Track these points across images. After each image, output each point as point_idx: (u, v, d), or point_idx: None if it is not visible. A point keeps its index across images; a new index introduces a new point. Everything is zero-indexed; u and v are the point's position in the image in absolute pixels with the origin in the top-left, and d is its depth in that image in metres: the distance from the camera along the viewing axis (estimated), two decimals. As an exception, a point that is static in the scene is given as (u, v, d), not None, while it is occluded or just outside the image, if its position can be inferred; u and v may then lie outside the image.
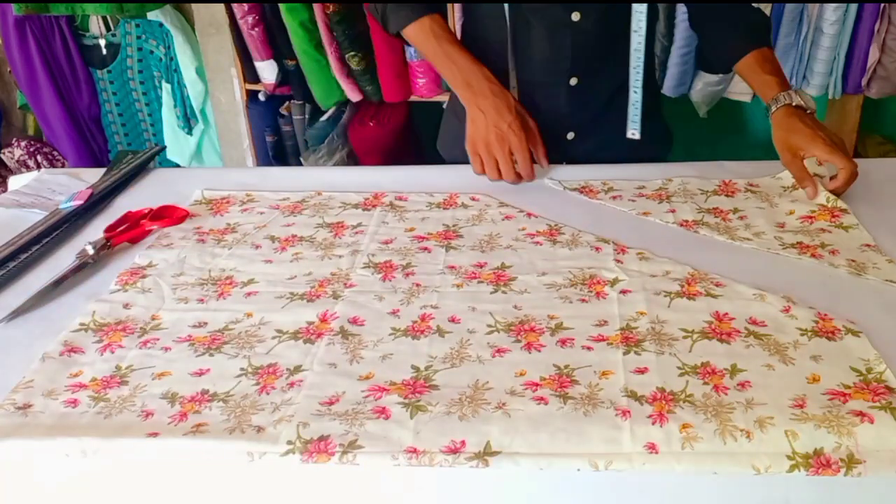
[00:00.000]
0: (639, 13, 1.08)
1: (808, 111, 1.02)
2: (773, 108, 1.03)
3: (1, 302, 0.84)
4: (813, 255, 0.86)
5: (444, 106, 1.31)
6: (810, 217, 0.94)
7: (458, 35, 1.27)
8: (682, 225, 0.94)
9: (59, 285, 0.86)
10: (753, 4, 1.14)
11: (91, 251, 0.91)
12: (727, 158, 1.11)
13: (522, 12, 1.09)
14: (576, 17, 1.08)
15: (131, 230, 0.98)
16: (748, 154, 1.09)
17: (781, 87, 1.04)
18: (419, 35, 1.08)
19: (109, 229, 0.97)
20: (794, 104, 1.02)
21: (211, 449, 0.62)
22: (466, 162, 1.09)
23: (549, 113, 1.13)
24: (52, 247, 0.95)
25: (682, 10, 1.92)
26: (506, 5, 1.08)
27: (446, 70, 1.08)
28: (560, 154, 1.14)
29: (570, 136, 1.16)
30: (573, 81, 1.12)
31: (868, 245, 0.88)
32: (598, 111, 1.14)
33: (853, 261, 0.84)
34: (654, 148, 1.20)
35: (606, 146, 1.14)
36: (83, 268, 0.89)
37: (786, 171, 1.02)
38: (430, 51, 1.08)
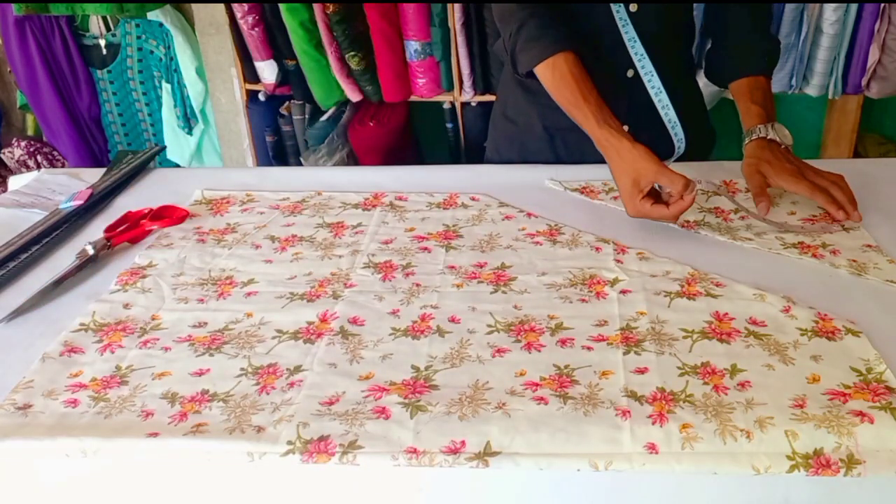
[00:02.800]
0: (639, 55, 1.08)
1: (783, 146, 1.01)
2: (747, 140, 1.04)
3: (1, 302, 0.84)
4: (814, 256, 0.86)
5: (496, 109, 1.27)
6: (811, 219, 0.94)
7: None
8: (683, 226, 0.94)
9: (59, 285, 0.86)
10: (772, 31, 1.14)
11: (91, 251, 0.91)
12: (727, 158, 1.11)
13: (582, 5, 1.08)
14: (633, 7, 1.07)
15: (131, 230, 0.98)
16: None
17: (762, 119, 1.04)
18: (549, 75, 1.02)
19: (109, 229, 0.97)
20: (768, 137, 1.02)
21: (211, 449, 0.62)
22: (518, 162, 1.09)
23: (609, 105, 1.10)
24: (52, 247, 0.95)
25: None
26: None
27: (580, 114, 1.02)
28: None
29: (626, 128, 1.13)
30: (630, 73, 1.11)
31: (869, 245, 0.88)
32: (653, 106, 1.13)
33: (854, 261, 0.84)
34: (699, 149, 1.19)
35: (656, 143, 1.09)
36: (83, 268, 0.89)
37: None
38: (560, 93, 1.03)
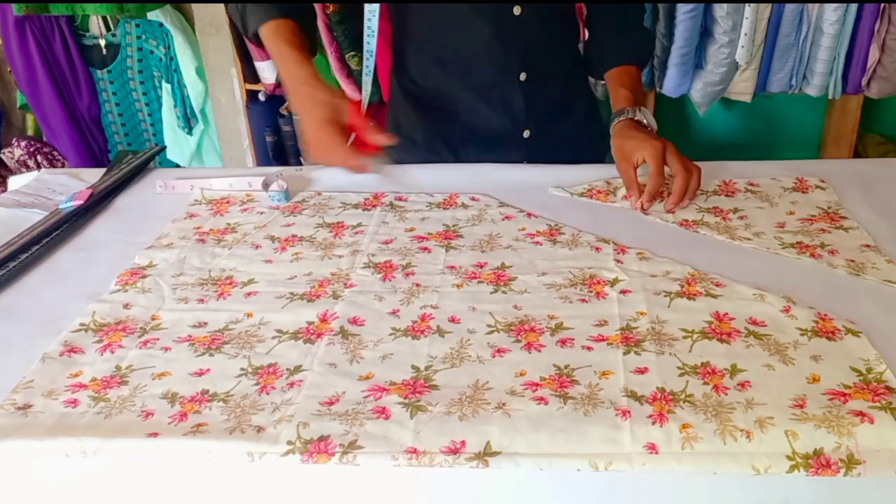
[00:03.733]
0: (370, 12, 1.13)
1: (649, 128, 1.04)
2: (615, 120, 1.06)
3: (1, 302, 0.84)
4: (812, 255, 0.86)
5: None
6: (810, 219, 0.94)
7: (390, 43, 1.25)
8: (681, 224, 0.94)
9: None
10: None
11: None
12: (727, 158, 1.11)
13: (464, 12, 1.10)
14: (517, 10, 1.09)
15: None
16: (748, 154, 1.10)
17: (630, 102, 1.07)
18: (266, 39, 1.07)
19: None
20: (635, 118, 1.04)
21: (211, 449, 0.62)
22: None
23: (505, 111, 1.14)
24: (52, 247, 0.95)
25: (682, 10, 1.92)
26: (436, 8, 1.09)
27: (281, 73, 1.07)
28: (519, 153, 1.15)
29: (527, 133, 1.17)
30: (523, 76, 1.13)
31: (867, 245, 0.88)
32: (550, 108, 1.15)
33: (852, 261, 0.84)
34: (598, 147, 1.20)
35: (564, 144, 1.15)
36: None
37: (787, 176, 1.02)
38: (273, 54, 1.07)
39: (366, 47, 1.13)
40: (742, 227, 0.92)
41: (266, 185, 1.06)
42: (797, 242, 0.89)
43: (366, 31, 1.12)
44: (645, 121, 1.05)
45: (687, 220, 0.95)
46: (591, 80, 1.27)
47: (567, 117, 1.19)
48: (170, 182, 1.10)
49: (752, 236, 0.90)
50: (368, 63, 1.14)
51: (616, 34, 1.16)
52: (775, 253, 0.87)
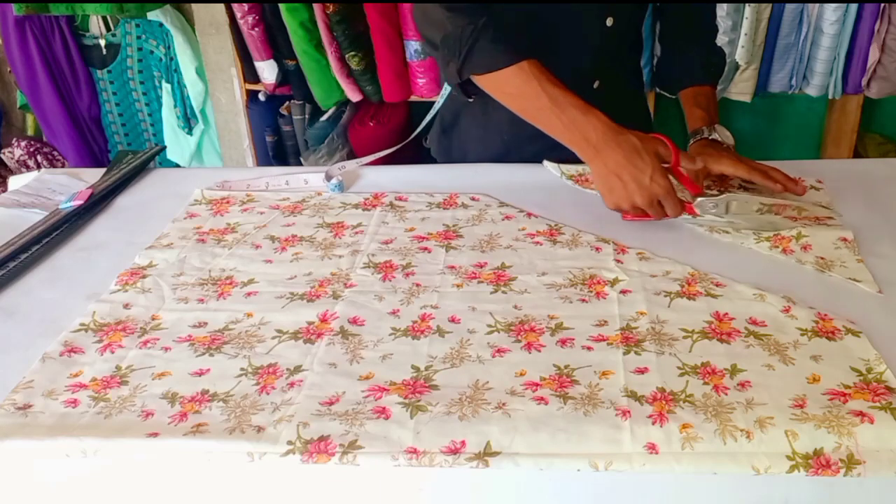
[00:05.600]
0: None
1: (725, 145, 1.04)
2: (691, 141, 1.07)
3: (1, 302, 0.84)
4: (784, 251, 0.86)
5: (440, 106, 1.24)
6: (795, 217, 0.94)
7: None
8: (666, 216, 0.94)
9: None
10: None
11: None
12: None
13: (558, 15, 1.07)
14: (609, 22, 1.08)
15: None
16: (748, 154, 1.09)
17: (705, 122, 1.08)
18: (526, 80, 0.95)
19: None
20: (710, 137, 1.05)
21: (211, 449, 0.62)
22: (461, 161, 1.10)
23: None
24: (52, 247, 0.95)
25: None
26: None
27: (552, 120, 0.96)
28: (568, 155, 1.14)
29: None
30: (596, 84, 1.13)
31: (844, 239, 0.87)
32: (617, 116, 1.14)
33: (822, 258, 0.84)
34: None
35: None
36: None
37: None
38: (531, 98, 0.96)
39: None
40: (724, 223, 0.92)
41: (328, 177, 1.09)
42: (773, 235, 0.89)
43: None
44: (720, 138, 1.05)
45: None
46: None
47: (631, 127, 1.16)
48: (226, 183, 1.10)
49: (730, 230, 0.91)
50: None
51: (690, 53, 1.16)
52: (749, 248, 0.88)
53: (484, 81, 1.00)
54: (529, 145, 1.09)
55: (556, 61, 1.05)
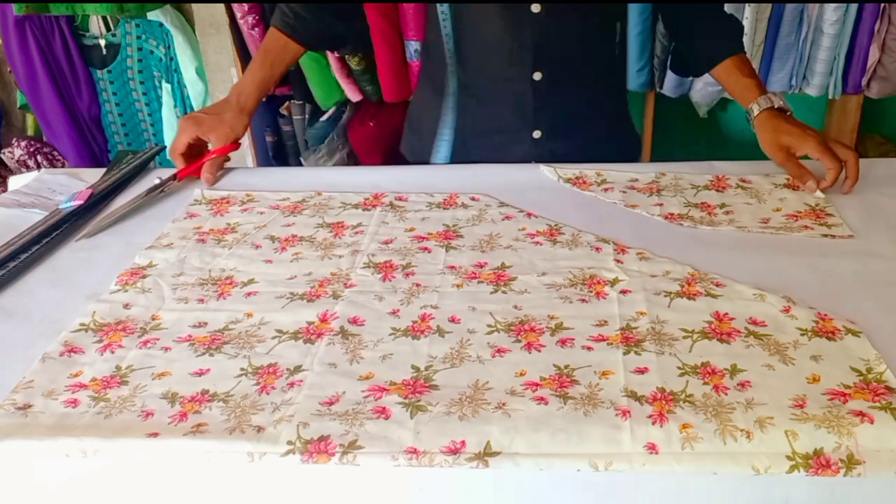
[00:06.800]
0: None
1: (788, 113, 1.04)
2: (756, 111, 1.05)
3: (1, 302, 0.84)
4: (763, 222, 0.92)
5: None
6: (795, 215, 0.94)
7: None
8: (666, 218, 0.95)
9: (132, 212, 1.02)
10: (727, 9, 1.16)
11: (157, 180, 1.07)
12: (727, 158, 1.11)
13: (482, 4, 1.09)
14: (536, 8, 1.08)
15: (194, 163, 1.11)
16: (748, 154, 1.09)
17: (761, 90, 1.06)
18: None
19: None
20: (776, 107, 1.03)
21: (211, 449, 0.62)
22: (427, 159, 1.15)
23: (517, 108, 1.13)
24: (52, 247, 0.95)
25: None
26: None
27: None
28: (529, 152, 1.14)
29: (537, 134, 1.15)
30: (537, 76, 1.12)
31: (840, 236, 0.90)
32: (567, 112, 1.13)
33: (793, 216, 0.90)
34: (625, 155, 1.19)
35: (576, 150, 1.12)
36: (154, 192, 1.06)
37: (781, 174, 1.03)
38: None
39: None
40: (726, 222, 0.93)
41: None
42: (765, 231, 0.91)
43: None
44: (784, 105, 1.04)
45: (672, 214, 0.95)
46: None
47: (586, 125, 1.16)
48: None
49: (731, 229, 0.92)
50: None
51: (712, 27, 1.14)
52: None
53: None
54: (486, 139, 1.08)
55: (488, 48, 1.06)
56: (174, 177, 1.10)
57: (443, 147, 1.20)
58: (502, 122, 1.10)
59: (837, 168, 0.98)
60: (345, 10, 1.19)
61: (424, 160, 1.22)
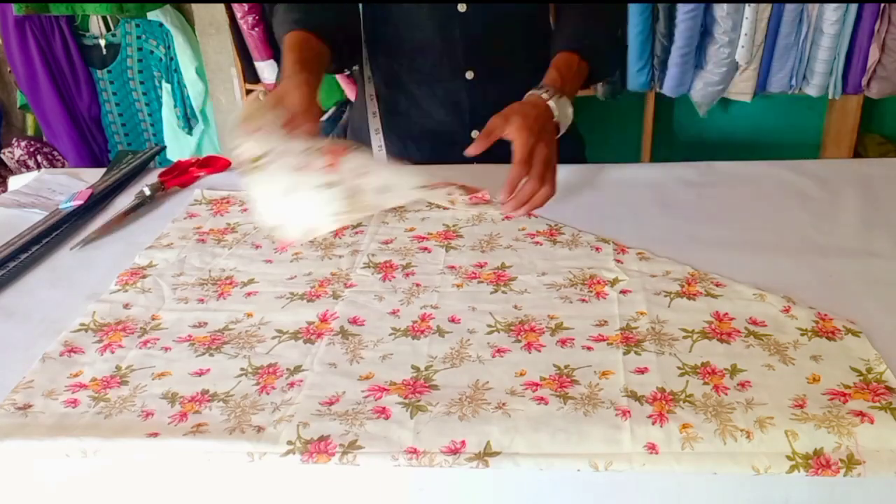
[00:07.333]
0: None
1: (554, 119, 0.97)
2: (526, 95, 1.00)
3: (1, 302, 0.84)
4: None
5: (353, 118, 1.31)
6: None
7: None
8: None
9: (119, 222, 1.00)
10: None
11: (147, 192, 1.04)
12: (727, 158, 1.11)
13: (409, 4, 1.09)
14: (462, 7, 1.08)
15: (181, 176, 1.10)
16: (748, 154, 1.09)
17: (555, 84, 1.01)
18: (284, 51, 1.05)
19: (163, 174, 1.08)
20: (546, 101, 0.97)
21: (211, 449, 0.62)
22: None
23: (452, 108, 1.13)
24: (52, 247, 0.95)
25: (682, 10, 1.92)
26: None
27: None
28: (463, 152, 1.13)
29: (475, 133, 1.14)
30: (469, 75, 1.12)
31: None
32: (501, 108, 1.12)
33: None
34: (566, 154, 1.14)
35: (507, 150, 1.07)
36: (139, 207, 1.04)
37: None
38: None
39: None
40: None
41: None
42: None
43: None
44: (557, 110, 0.98)
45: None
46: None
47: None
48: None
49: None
50: None
51: (569, 22, 1.11)
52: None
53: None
54: (425, 140, 1.08)
55: (420, 48, 1.07)
56: (162, 186, 1.09)
57: (382, 149, 1.21)
58: (437, 123, 1.10)
59: (519, 159, 0.91)
60: (345, 12, 1.18)
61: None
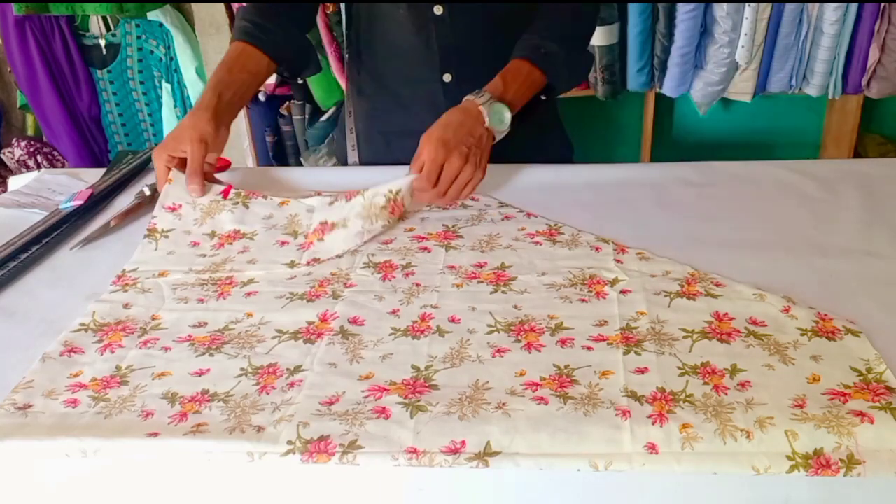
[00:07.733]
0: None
1: (486, 125, 0.98)
2: (464, 99, 1.00)
3: (1, 302, 0.84)
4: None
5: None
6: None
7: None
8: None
9: (119, 223, 1.00)
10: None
11: (147, 192, 1.04)
12: (727, 158, 1.11)
13: (388, 6, 1.10)
14: (438, 10, 1.08)
15: None
16: (748, 154, 1.09)
17: (495, 90, 1.01)
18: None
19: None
20: (478, 104, 0.98)
21: (211, 449, 0.62)
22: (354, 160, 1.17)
23: (431, 109, 1.12)
24: (52, 247, 0.95)
25: (682, 9, 1.92)
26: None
27: None
28: None
29: None
30: (447, 78, 1.12)
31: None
32: None
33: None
34: (553, 157, 1.17)
35: (496, 154, 1.05)
36: (140, 207, 1.03)
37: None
38: None
39: None
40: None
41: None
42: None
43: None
44: (488, 116, 0.97)
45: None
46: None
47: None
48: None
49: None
50: None
51: (532, 31, 1.09)
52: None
53: None
54: (408, 140, 1.07)
55: (396, 52, 1.07)
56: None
57: (363, 148, 1.22)
58: (420, 123, 1.09)
59: (424, 174, 0.93)
60: (303, 18, 1.16)
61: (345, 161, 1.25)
